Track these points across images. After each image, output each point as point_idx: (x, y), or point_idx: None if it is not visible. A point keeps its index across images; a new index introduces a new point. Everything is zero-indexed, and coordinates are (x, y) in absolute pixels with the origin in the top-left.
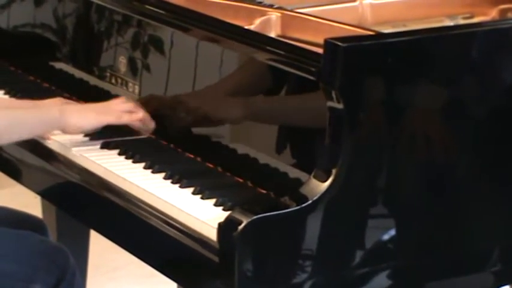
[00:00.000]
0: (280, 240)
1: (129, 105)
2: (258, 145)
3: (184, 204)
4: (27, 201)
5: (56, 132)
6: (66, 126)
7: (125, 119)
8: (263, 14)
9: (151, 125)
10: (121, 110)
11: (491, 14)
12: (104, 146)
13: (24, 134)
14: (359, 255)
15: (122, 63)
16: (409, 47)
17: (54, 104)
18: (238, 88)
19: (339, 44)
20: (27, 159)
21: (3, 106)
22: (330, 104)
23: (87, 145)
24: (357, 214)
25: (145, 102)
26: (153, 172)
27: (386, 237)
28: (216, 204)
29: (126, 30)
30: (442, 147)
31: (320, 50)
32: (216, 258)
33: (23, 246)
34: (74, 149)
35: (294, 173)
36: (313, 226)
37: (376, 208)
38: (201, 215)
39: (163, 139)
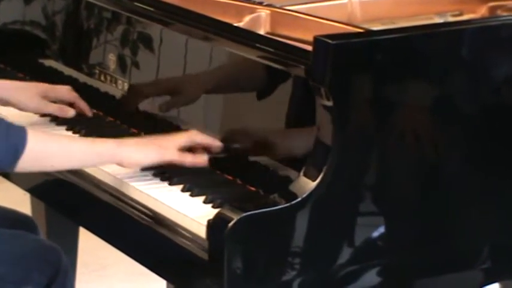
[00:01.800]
0: (269, 238)
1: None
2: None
3: (174, 201)
4: (16, 198)
5: None
6: (123, 160)
7: (188, 161)
8: (252, 11)
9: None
10: (182, 147)
11: (480, 12)
12: None
13: (75, 163)
14: (348, 252)
15: (111, 60)
16: (398, 45)
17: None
18: (227, 85)
19: (329, 41)
20: None
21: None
22: (319, 101)
23: None
24: (347, 212)
25: (135, 97)
26: (142, 169)
27: (376, 234)
28: (205, 202)
29: (115, 28)
30: (432, 145)
31: (309, 48)
32: (205, 256)
33: (15, 246)
34: None
35: (284, 170)
36: (303, 224)
37: (365, 206)
38: (190, 212)
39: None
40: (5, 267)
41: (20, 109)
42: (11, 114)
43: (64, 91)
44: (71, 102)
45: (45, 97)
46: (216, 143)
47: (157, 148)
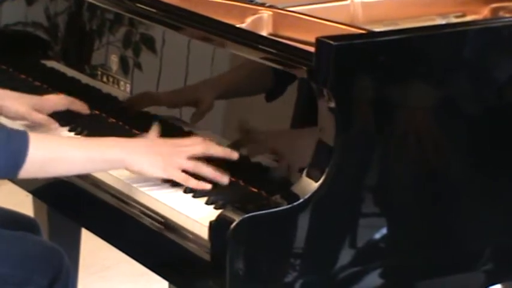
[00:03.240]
0: (271, 239)
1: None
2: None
3: (176, 202)
4: (18, 200)
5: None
6: (128, 167)
7: (193, 184)
8: (255, 12)
9: (224, 180)
10: (188, 159)
11: (483, 13)
12: None
13: (80, 170)
14: (350, 254)
15: (114, 61)
16: (401, 46)
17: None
18: (230, 87)
19: (331, 42)
20: None
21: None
22: (322, 102)
23: None
24: (349, 213)
25: (139, 100)
26: None
27: (378, 236)
28: (207, 203)
29: (117, 29)
30: (434, 146)
31: (312, 49)
32: (207, 257)
33: (17, 248)
34: None
35: (286, 171)
36: (305, 225)
37: (367, 207)
38: (192, 213)
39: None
40: (7, 269)
41: (8, 117)
42: None
43: (58, 102)
44: (66, 109)
45: (40, 110)
46: (233, 155)
47: (164, 164)
